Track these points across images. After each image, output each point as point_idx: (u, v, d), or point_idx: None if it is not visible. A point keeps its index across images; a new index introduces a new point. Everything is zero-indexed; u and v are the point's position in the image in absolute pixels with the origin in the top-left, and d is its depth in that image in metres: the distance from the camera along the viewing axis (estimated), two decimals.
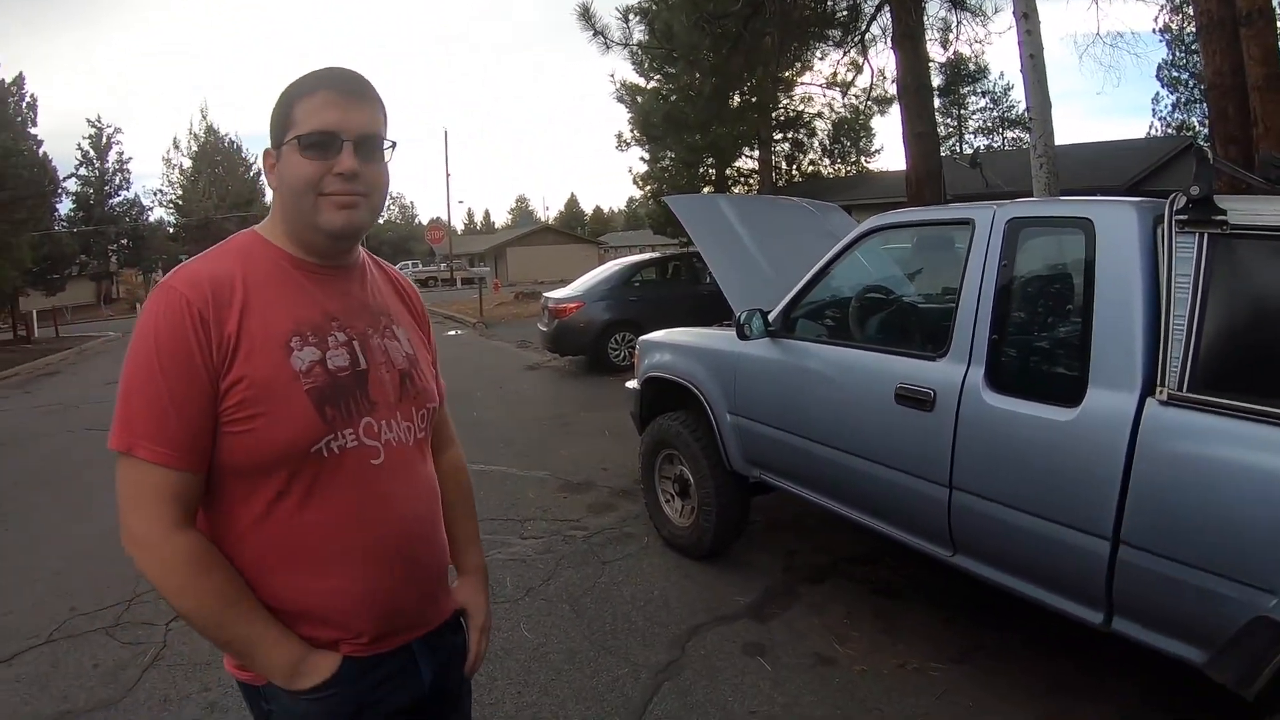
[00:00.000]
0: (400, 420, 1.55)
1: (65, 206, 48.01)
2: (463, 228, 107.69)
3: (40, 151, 31.20)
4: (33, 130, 30.96)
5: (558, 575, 4.84)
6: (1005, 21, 12.59)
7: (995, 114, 40.63)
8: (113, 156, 53.86)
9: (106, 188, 52.94)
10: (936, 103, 13.20)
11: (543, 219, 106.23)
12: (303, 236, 1.50)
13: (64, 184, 38.07)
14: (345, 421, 1.45)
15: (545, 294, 14.47)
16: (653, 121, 24.22)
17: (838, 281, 4.21)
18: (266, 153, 1.51)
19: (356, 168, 1.43)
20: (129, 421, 1.35)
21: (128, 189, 53.60)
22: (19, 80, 30.68)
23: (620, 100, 25.98)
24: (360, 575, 1.46)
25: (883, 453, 3.43)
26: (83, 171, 52.25)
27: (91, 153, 53.58)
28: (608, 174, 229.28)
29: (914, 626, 4.01)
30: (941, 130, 13.30)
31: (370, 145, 1.46)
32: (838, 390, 3.77)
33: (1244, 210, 2.43)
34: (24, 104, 30.71)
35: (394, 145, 1.53)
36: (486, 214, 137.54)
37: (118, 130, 53.86)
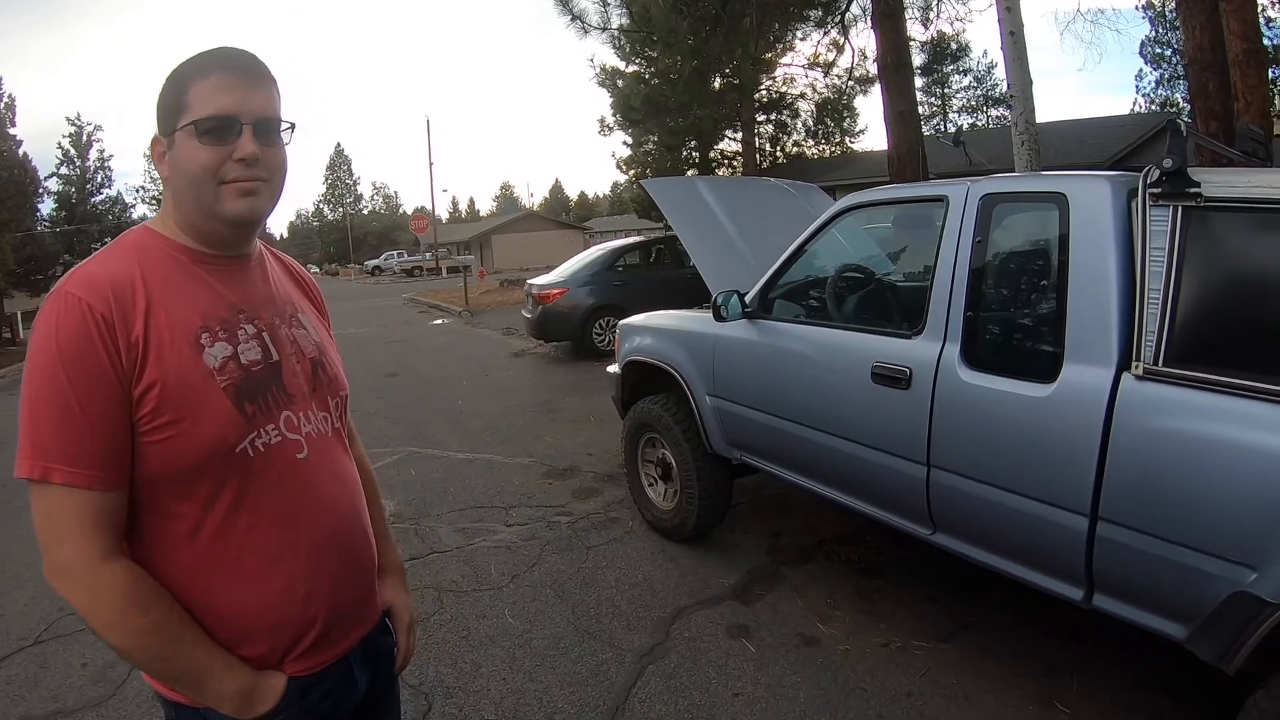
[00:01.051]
0: (317, 410, 1.50)
1: (47, 206, 47.75)
2: (447, 216, 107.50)
3: (20, 152, 31.02)
4: (11, 130, 30.71)
5: (542, 561, 4.82)
6: None
7: (979, 93, 40.73)
8: (94, 154, 53.49)
9: (88, 186, 52.70)
10: (919, 82, 13.26)
11: (527, 205, 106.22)
12: (200, 227, 1.42)
13: (45, 183, 37.84)
14: (266, 417, 1.39)
15: (529, 280, 14.42)
16: (633, 105, 24.16)
17: (814, 261, 4.20)
18: (155, 140, 1.42)
19: (258, 152, 1.36)
20: (39, 444, 1.25)
21: (110, 187, 53.35)
22: None
23: (601, 84, 25.94)
24: (301, 575, 1.41)
25: (861, 432, 3.42)
26: (64, 170, 51.96)
27: (72, 151, 53.24)
28: (592, 159, 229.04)
29: (897, 606, 4.02)
30: (925, 110, 13.27)
31: (269, 128, 1.40)
32: (815, 370, 3.76)
33: (1218, 183, 2.41)
34: (2, 104, 30.44)
35: (292, 127, 1.46)
36: (471, 202, 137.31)
37: (98, 128, 53.49)
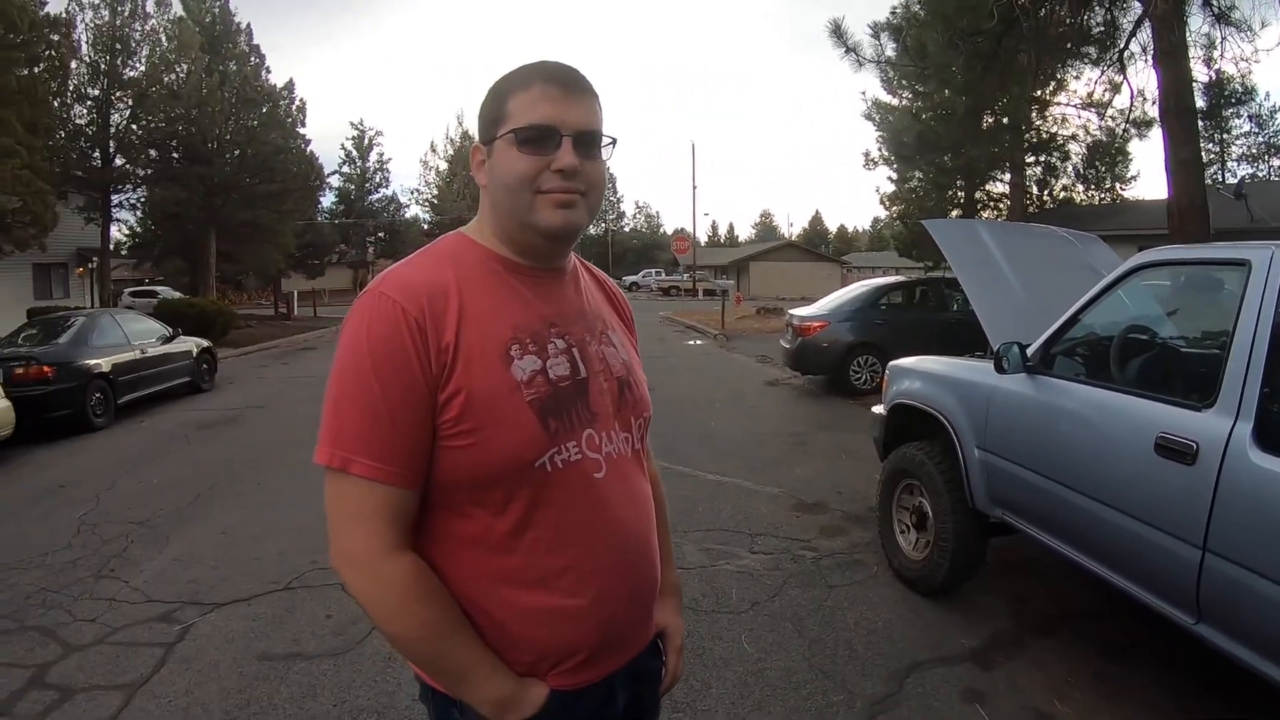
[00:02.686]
0: (619, 431, 1.47)
1: (328, 200, 52.89)
2: (706, 239, 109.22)
3: (308, 150, 34.84)
4: (301, 130, 34.50)
5: (784, 593, 4.86)
6: (1273, 37, 11.43)
7: (1261, 139, 36.79)
8: (374, 156, 58.81)
9: (367, 185, 57.96)
10: (1199, 126, 12.00)
11: (786, 235, 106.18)
12: (516, 237, 1.42)
13: (328, 179, 41.87)
14: (568, 434, 1.37)
15: (790, 311, 14.45)
16: (903, 141, 23.62)
17: (1100, 318, 4.00)
18: (475, 149, 1.44)
19: (576, 164, 1.34)
20: (341, 435, 1.28)
21: (386, 187, 58.27)
22: (289, 85, 34.63)
23: (869, 118, 25.60)
24: (582, 593, 1.38)
25: (1135, 504, 3.23)
26: (345, 169, 57.58)
27: (354, 152, 58.81)
28: (853, 192, 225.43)
29: (1139, 694, 3.74)
30: (1204, 156, 12.04)
31: (589, 141, 1.38)
32: (1094, 434, 3.58)
33: None
34: (294, 106, 34.19)
35: (614, 142, 1.43)
36: (730, 227, 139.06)
37: (379, 133, 58.48)
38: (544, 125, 1.33)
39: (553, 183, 1.35)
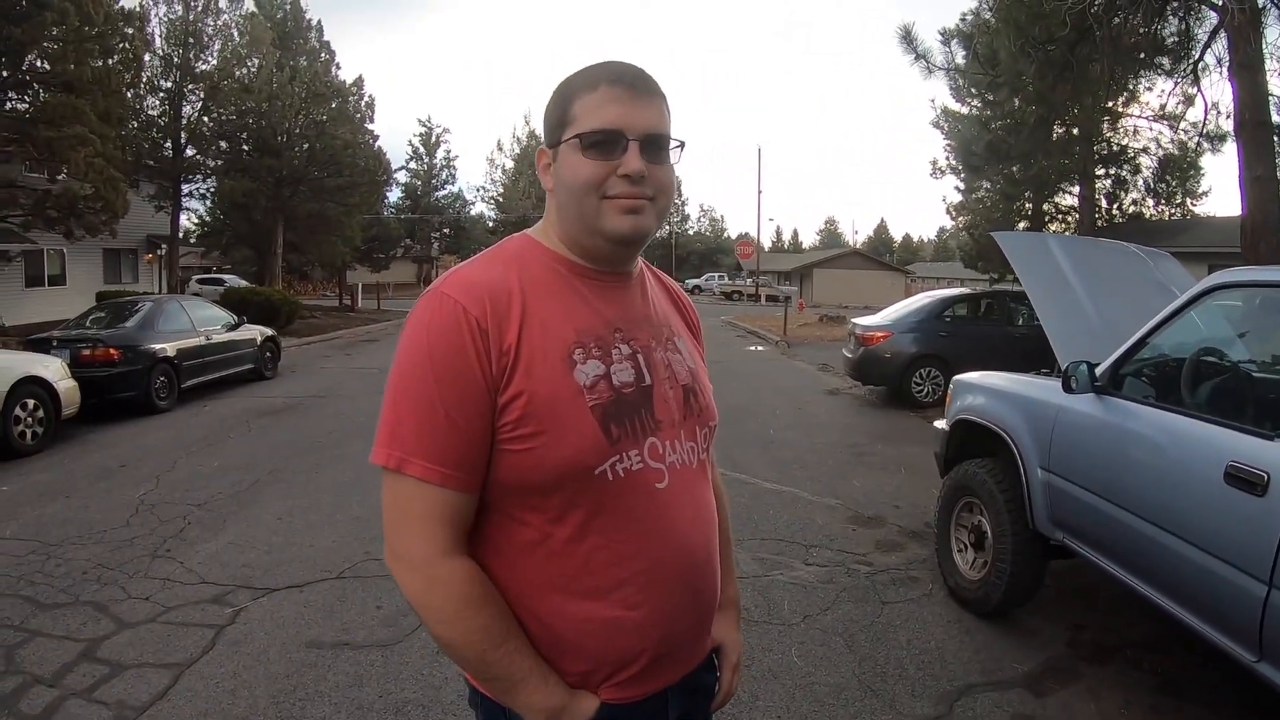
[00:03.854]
0: (684, 440, 1.44)
1: (395, 195, 53.92)
2: (770, 245, 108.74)
3: (376, 145, 35.50)
4: (369, 126, 35.21)
5: (836, 607, 4.82)
6: None
7: None
8: (441, 154, 59.66)
9: (433, 181, 58.81)
10: (1275, 142, 11.59)
11: (850, 243, 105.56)
12: (582, 242, 1.39)
13: (395, 175, 42.63)
14: (631, 442, 1.34)
15: (853, 320, 14.31)
16: (972, 150, 23.23)
17: (1172, 339, 3.89)
18: (540, 152, 1.42)
19: (643, 169, 1.32)
20: (399, 436, 1.27)
21: (453, 184, 59.10)
22: (359, 81, 35.30)
23: (937, 126, 25.26)
24: (640, 605, 1.35)
25: (1201, 534, 3.13)
26: (412, 165, 58.55)
27: (421, 149, 59.78)
28: (919, 201, 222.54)
29: None
30: (1278, 173, 11.63)
31: (657, 145, 1.35)
32: (1162, 459, 3.48)
33: None
34: (363, 103, 34.82)
35: (682, 145, 1.41)
36: (795, 233, 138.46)
37: (446, 130, 59.28)
38: (610, 129, 1.31)
39: (620, 188, 1.32)
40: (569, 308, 1.37)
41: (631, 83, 1.34)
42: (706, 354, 1.72)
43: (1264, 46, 11.71)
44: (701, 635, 1.52)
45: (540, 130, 1.54)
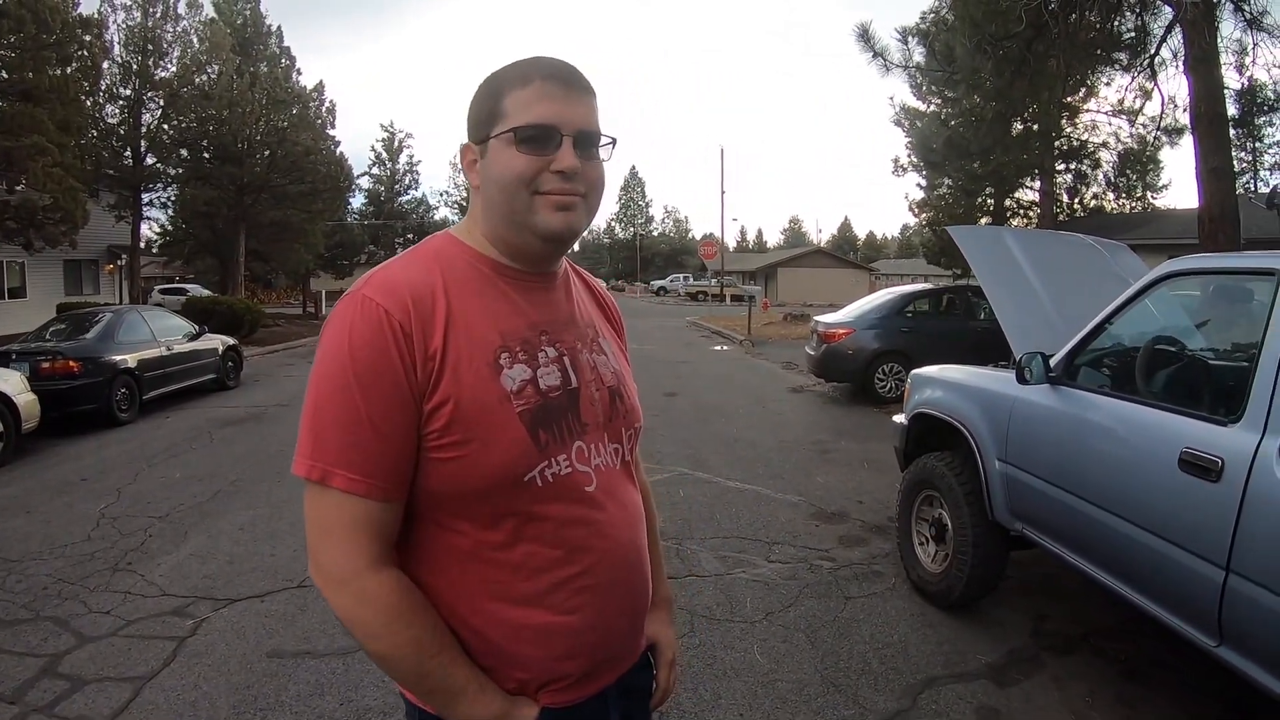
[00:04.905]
0: (609, 442, 1.43)
1: (358, 201, 53.88)
2: (735, 245, 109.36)
3: (337, 151, 35.23)
4: (331, 132, 34.91)
5: (799, 603, 4.80)
6: None
7: None
8: (403, 159, 59.45)
9: (396, 186, 58.70)
10: (1231, 134, 11.74)
11: (814, 241, 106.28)
12: (510, 240, 1.36)
13: (358, 181, 42.49)
14: (559, 447, 1.33)
15: (815, 318, 14.36)
16: (932, 147, 23.53)
17: (1126, 329, 3.92)
18: (466, 148, 1.38)
19: (577, 165, 1.30)
20: (322, 446, 1.23)
21: (416, 189, 58.84)
22: (320, 87, 35.14)
23: (898, 124, 25.49)
24: (574, 609, 1.34)
25: (1158, 521, 3.14)
26: (375, 171, 58.30)
27: (384, 154, 59.59)
28: (882, 199, 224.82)
29: (1159, 717, 3.65)
30: (1235, 165, 11.71)
31: (589, 141, 1.33)
32: (1117, 448, 3.50)
33: None
34: (324, 108, 34.59)
35: (613, 142, 1.39)
36: (759, 233, 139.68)
37: (409, 135, 59.07)
38: (544, 124, 1.29)
39: (553, 184, 1.30)
40: (493, 309, 1.34)
41: (565, 79, 1.33)
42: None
43: (1219, 41, 11.90)
44: (636, 635, 1.51)
45: None
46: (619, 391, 1.48)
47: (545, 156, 1.29)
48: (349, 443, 1.21)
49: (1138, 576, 3.33)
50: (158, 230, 35.76)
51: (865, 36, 16.00)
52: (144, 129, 27.30)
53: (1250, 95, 23.72)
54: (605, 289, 1.69)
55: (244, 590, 4.99)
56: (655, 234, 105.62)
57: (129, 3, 26.72)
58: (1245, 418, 2.84)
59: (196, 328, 13.87)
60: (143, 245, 30.19)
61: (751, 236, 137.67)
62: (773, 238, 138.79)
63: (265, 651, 4.21)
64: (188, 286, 36.20)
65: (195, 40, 28.49)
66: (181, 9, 28.18)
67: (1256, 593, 2.67)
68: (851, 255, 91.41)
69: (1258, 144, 34.97)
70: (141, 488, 7.51)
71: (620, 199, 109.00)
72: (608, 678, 1.44)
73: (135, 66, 26.62)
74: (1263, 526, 2.67)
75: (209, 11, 30.83)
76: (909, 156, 26.24)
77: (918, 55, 17.10)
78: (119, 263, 30.78)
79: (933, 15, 17.54)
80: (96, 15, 22.88)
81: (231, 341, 15.08)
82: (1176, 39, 12.50)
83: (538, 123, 1.29)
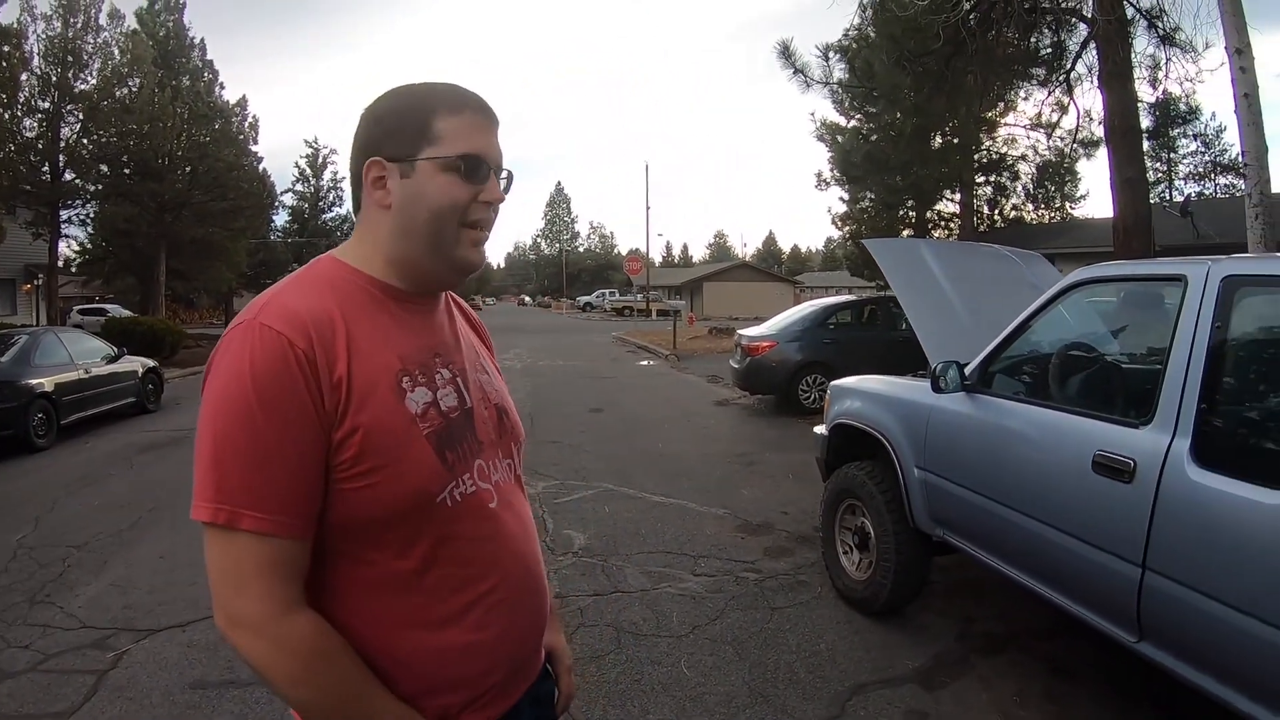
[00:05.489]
0: (502, 458, 1.44)
1: (281, 218, 52.91)
2: (660, 260, 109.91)
3: (260, 167, 34.70)
4: (254, 148, 34.34)
5: (725, 616, 4.78)
6: (1217, 58, 11.59)
7: (1207, 158, 37.40)
8: (328, 175, 58.58)
9: (320, 203, 57.86)
10: (1145, 145, 12.19)
11: (740, 255, 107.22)
12: (418, 265, 1.34)
13: (281, 197, 41.80)
14: (464, 466, 1.32)
15: (740, 331, 14.44)
16: (853, 161, 23.83)
17: (1039, 336, 3.99)
18: (375, 163, 1.30)
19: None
20: (226, 487, 1.15)
21: (340, 206, 58.18)
22: (243, 102, 34.57)
23: (820, 139, 25.79)
24: (489, 625, 1.33)
25: (1074, 523, 3.19)
26: (299, 187, 57.34)
27: (308, 171, 58.75)
28: (806, 213, 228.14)
29: (1086, 714, 3.71)
30: (1150, 175, 12.22)
31: (506, 179, 1.37)
32: (1032, 452, 3.56)
33: None
34: (246, 123, 33.98)
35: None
36: (685, 248, 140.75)
37: (333, 151, 58.44)
38: (479, 155, 1.30)
39: (479, 214, 1.32)
40: (390, 335, 1.31)
41: (487, 112, 1.34)
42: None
43: (1133, 56, 12.33)
44: (540, 644, 1.52)
45: None
46: (504, 408, 1.50)
47: (476, 187, 1.30)
48: (257, 481, 1.15)
49: (1057, 577, 3.39)
50: (76, 248, 34.72)
51: (786, 53, 16.24)
52: (63, 143, 26.29)
53: (1164, 108, 24.59)
54: (473, 311, 1.69)
55: (165, 620, 4.80)
56: (581, 250, 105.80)
57: (49, 12, 25.73)
58: (1156, 419, 2.90)
59: (116, 349, 13.38)
60: (61, 264, 29.17)
61: (677, 251, 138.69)
62: (698, 252, 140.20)
63: (188, 682, 4.06)
64: (107, 307, 35.10)
65: (117, 52, 27.57)
66: (103, 20, 27.27)
67: (1172, 588, 2.72)
68: (776, 269, 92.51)
69: (1171, 155, 36.24)
70: (59, 516, 7.21)
71: (546, 215, 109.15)
72: (521, 688, 1.44)
73: (55, 78, 25.61)
74: (1176, 524, 2.73)
75: (131, 23, 29.91)
76: (831, 171, 26.52)
77: (839, 72, 17.42)
78: (36, 282, 29.82)
79: (855, 32, 17.88)
80: (15, 25, 22.15)
81: (152, 363, 14.58)
82: (1092, 55, 12.91)
83: (475, 153, 1.29)
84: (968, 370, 3.98)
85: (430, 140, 1.28)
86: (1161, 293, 3.57)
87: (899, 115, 20.42)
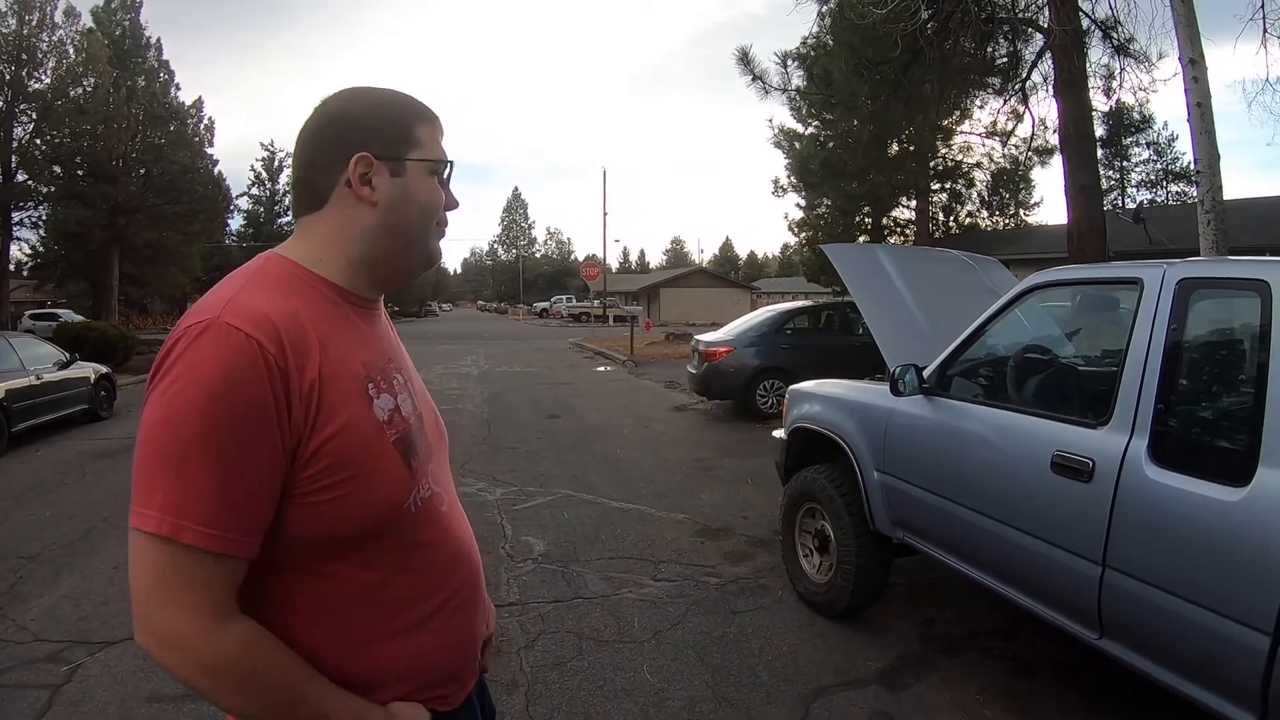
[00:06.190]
0: (441, 462, 1.45)
1: (237, 222, 52.38)
2: (618, 266, 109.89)
3: (216, 170, 34.15)
4: (209, 150, 33.89)
5: (687, 621, 4.76)
6: (1170, 68, 11.88)
7: (1159, 166, 38.12)
8: (284, 179, 58.03)
9: (277, 207, 57.23)
10: (1099, 153, 12.50)
11: (697, 261, 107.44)
12: (394, 261, 1.33)
13: (237, 201, 41.28)
14: (422, 471, 1.31)
15: (696, 336, 14.46)
16: (810, 168, 24.03)
17: (996, 339, 4.04)
18: (362, 158, 1.26)
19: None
20: (171, 499, 1.06)
21: None
22: (198, 104, 34.02)
23: (778, 145, 25.92)
24: (451, 626, 1.34)
25: (1034, 523, 3.23)
26: (255, 191, 56.75)
27: (264, 174, 58.16)
28: (763, 219, 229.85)
29: (1050, 711, 3.75)
30: (1103, 183, 12.51)
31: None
32: (992, 454, 3.59)
33: None
34: (202, 125, 33.50)
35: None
36: (642, 253, 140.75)
37: (289, 155, 58.06)
38: (449, 163, 1.36)
39: (442, 218, 1.38)
40: (350, 338, 1.27)
41: (441, 125, 1.39)
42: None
43: (1087, 65, 12.60)
44: (483, 640, 1.54)
45: None
46: (435, 413, 1.51)
47: (445, 191, 1.37)
48: (210, 493, 1.07)
49: (1018, 577, 3.42)
50: (28, 252, 34.08)
51: (745, 60, 16.35)
52: (15, 143, 25.84)
53: (1118, 117, 25.04)
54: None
55: (120, 632, 4.65)
56: (538, 255, 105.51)
57: (4, 9, 25.30)
58: (1114, 420, 2.95)
59: (67, 355, 13.05)
60: (12, 268, 28.58)
61: (634, 257, 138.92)
62: (655, 258, 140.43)
63: (145, 695, 3.95)
64: (59, 312, 34.38)
65: (71, 51, 27.15)
66: (59, 17, 26.86)
67: (1132, 585, 2.76)
68: (733, 274, 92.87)
69: (1125, 162, 36.90)
70: (11, 527, 6.99)
71: (503, 220, 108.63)
72: (476, 676, 1.49)
73: (8, 77, 25.19)
74: (1135, 522, 2.77)
75: (87, 21, 29.41)
76: (788, 177, 26.68)
77: (797, 79, 17.58)
78: None
79: (813, 40, 18.03)
80: None
81: (104, 370, 14.22)
82: (1047, 64, 13.19)
83: (445, 160, 1.35)
84: (926, 373, 4.02)
85: (414, 144, 1.30)
86: (1117, 296, 3.63)
87: (856, 122, 20.64)
